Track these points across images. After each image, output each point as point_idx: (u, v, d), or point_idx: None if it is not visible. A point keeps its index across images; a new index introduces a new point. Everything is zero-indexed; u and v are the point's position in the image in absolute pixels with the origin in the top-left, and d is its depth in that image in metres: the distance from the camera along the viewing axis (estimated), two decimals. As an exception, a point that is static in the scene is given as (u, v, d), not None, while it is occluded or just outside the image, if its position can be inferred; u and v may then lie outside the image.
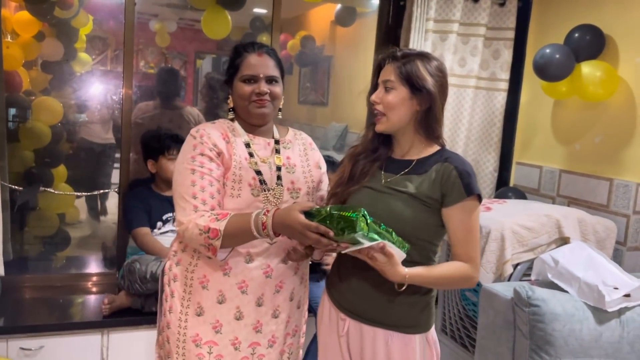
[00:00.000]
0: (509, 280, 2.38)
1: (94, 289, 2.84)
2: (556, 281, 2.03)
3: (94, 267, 3.77)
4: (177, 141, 2.68)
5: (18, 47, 3.70)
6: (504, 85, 3.23)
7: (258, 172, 1.61)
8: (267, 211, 1.47)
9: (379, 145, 1.61)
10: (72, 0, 3.95)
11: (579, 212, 2.52)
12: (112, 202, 4.19)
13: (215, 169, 1.56)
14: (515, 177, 3.32)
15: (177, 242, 1.69)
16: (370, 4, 4.45)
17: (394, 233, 1.41)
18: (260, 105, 1.63)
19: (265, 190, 1.60)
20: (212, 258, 1.55)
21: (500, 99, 3.24)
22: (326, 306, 1.67)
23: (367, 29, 5.29)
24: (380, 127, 1.55)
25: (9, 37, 3.96)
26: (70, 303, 2.67)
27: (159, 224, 2.64)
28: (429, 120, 1.52)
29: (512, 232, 2.37)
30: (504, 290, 2.07)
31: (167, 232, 2.64)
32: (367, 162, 1.60)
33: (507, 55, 3.22)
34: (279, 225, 1.44)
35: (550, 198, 3.04)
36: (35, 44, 4.03)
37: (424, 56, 1.53)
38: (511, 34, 3.21)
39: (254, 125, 1.68)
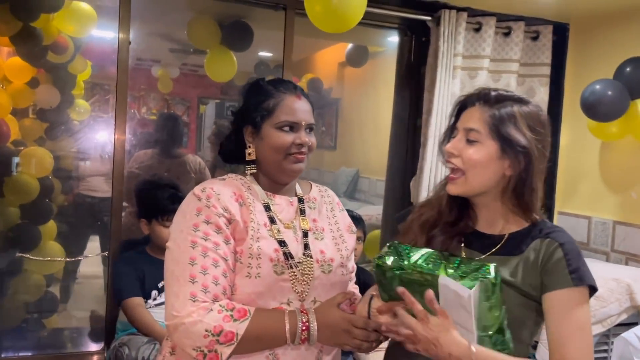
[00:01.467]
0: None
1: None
2: (649, 370, 1.63)
3: (84, 341, 3.34)
4: (176, 202, 2.32)
5: (6, 94, 3.41)
6: (541, 127, 2.89)
7: (281, 243, 1.25)
8: (304, 310, 1.19)
9: (459, 214, 1.23)
10: (66, 44, 3.70)
11: (651, 274, 2.13)
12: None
13: (222, 243, 1.20)
14: (558, 229, 2.94)
15: (168, 345, 1.29)
16: (385, 42, 4.18)
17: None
18: (298, 160, 1.29)
19: (291, 267, 1.24)
20: None
21: (538, 141, 2.90)
22: None
23: (380, 69, 5.05)
24: (454, 189, 1.18)
25: (0, 84, 3.70)
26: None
27: (154, 293, 2.26)
28: (521, 188, 1.14)
29: (576, 301, 1.97)
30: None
31: (163, 303, 2.25)
32: (446, 236, 1.21)
33: (543, 93, 2.91)
34: (321, 326, 1.17)
35: (604, 253, 2.65)
36: (28, 91, 3.77)
37: (522, 102, 1.17)
38: (547, 70, 2.91)
39: (278, 184, 1.34)
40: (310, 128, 1.32)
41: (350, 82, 6.01)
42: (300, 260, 1.25)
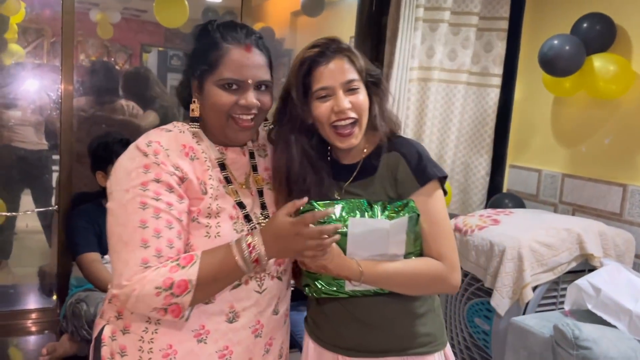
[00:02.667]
0: (525, 306, 2.07)
1: (33, 329, 2.36)
2: (600, 313, 1.73)
3: (30, 298, 3.21)
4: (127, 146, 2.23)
5: None
6: (497, 81, 2.94)
7: (240, 204, 1.20)
8: (250, 233, 1.12)
9: (319, 150, 1.31)
10: (-2, -19, 3.40)
11: (599, 224, 2.25)
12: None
13: (175, 202, 1.09)
14: (509, 182, 3.04)
15: (112, 309, 1.20)
16: (342, -9, 4.07)
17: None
18: (243, 127, 1.18)
19: (251, 229, 1.19)
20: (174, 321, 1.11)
21: (493, 95, 2.95)
22: (313, 352, 1.34)
23: (336, 19, 4.95)
24: (355, 140, 1.25)
25: None
26: (3, 348, 2.19)
27: (111, 248, 2.18)
28: (378, 116, 1.29)
29: (531, 250, 2.06)
30: (539, 325, 1.75)
31: (120, 258, 2.18)
32: (316, 174, 1.28)
33: (500, 47, 2.93)
34: (269, 241, 1.09)
35: (552, 205, 2.77)
36: (-44, 33, 3.46)
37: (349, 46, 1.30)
38: (505, 24, 2.92)
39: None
40: (264, 85, 1.19)
41: (304, 32, 5.87)
42: (259, 222, 1.20)
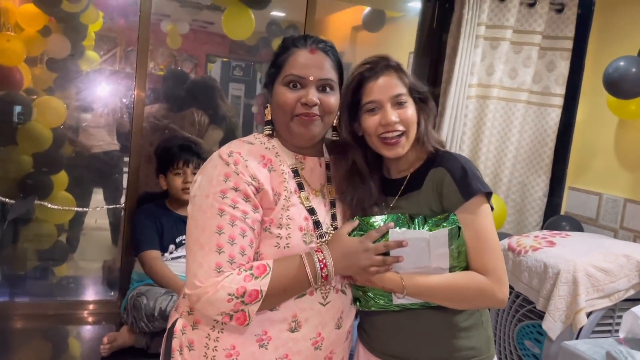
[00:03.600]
0: (579, 332, 2.02)
1: (92, 319, 2.50)
2: (656, 343, 1.68)
3: (92, 290, 3.40)
4: (188, 151, 2.34)
5: (20, 41, 3.38)
6: (559, 101, 2.89)
7: (310, 211, 1.23)
8: (318, 249, 1.17)
9: (370, 163, 1.36)
10: (81, -7, 3.65)
11: (661, 252, 2.16)
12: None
13: (250, 211, 1.14)
14: (567, 204, 2.97)
15: (185, 304, 1.26)
16: (403, 7, 4.11)
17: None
18: (305, 122, 1.20)
19: (320, 237, 1.22)
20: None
21: (554, 115, 2.90)
22: (362, 357, 1.38)
23: (395, 35, 4.98)
24: (401, 150, 1.29)
25: (12, 30, 3.66)
26: (64, 337, 2.34)
27: (171, 247, 2.30)
28: (424, 131, 1.33)
29: (587, 274, 2.02)
30: (591, 351, 1.71)
31: (180, 257, 2.30)
32: (366, 189, 1.33)
33: (563, 67, 2.88)
34: (337, 257, 1.16)
35: (612, 230, 2.68)
36: (40, 39, 3.73)
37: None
38: (569, 44, 2.87)
39: (299, 146, 1.28)
40: (328, 86, 1.22)
41: (364, 47, 5.94)
42: (327, 231, 1.23)
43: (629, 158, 2.67)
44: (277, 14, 5.97)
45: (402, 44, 4.59)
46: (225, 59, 8.47)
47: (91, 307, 2.58)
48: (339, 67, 1.27)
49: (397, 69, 1.30)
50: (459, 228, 1.21)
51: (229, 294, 1.09)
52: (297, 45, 1.22)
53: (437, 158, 1.30)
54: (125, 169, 4.35)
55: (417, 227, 1.22)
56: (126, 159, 4.29)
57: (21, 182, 3.22)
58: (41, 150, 3.38)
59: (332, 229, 1.25)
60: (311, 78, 1.19)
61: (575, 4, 2.85)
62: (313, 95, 1.19)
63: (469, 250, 1.24)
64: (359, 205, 1.30)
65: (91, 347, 2.26)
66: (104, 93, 4.59)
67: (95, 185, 4.07)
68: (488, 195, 1.26)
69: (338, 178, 1.32)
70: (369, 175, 1.33)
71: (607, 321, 2.10)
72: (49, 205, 2.95)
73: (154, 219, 2.29)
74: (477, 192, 1.23)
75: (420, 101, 1.32)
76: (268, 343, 1.19)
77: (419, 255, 1.21)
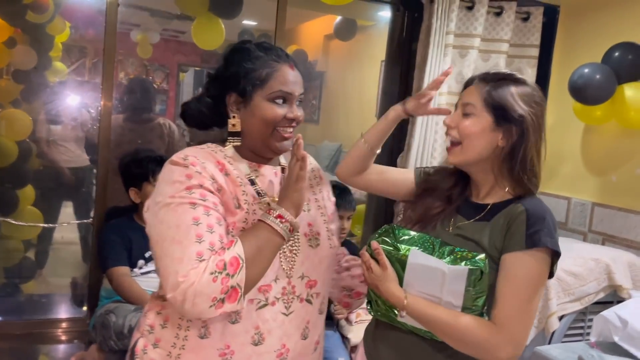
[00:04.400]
0: (551, 336, 2.04)
1: (63, 338, 2.43)
2: (626, 346, 1.70)
3: (62, 308, 3.30)
4: (163, 162, 2.30)
5: (-18, 54, 3.30)
6: (527, 108, 2.93)
7: None
8: (269, 209, 1.14)
9: (456, 183, 1.32)
10: (47, 3, 3.58)
11: (629, 255, 2.21)
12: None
13: (219, 204, 1.12)
14: (538, 209, 3.01)
15: (153, 313, 1.22)
16: (375, 16, 4.15)
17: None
18: (287, 137, 1.21)
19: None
20: (237, 310, 1.11)
21: (523, 122, 2.94)
22: None
23: (367, 43, 5.02)
24: (451, 159, 1.27)
25: (-25, 43, 3.56)
26: (34, 357, 2.26)
27: (141, 262, 2.24)
28: (513, 160, 1.20)
29: (557, 278, 2.04)
30: (563, 356, 1.73)
31: (149, 272, 2.24)
32: (442, 202, 1.30)
33: (530, 74, 2.93)
34: (285, 200, 1.15)
35: (581, 234, 2.73)
36: (5, 51, 3.64)
37: (519, 82, 1.24)
38: (535, 52, 2.93)
39: (262, 157, 1.26)
40: (300, 100, 1.24)
41: (336, 55, 5.97)
42: (289, 237, 1.17)
43: (596, 162, 2.72)
44: (248, 22, 5.96)
45: (374, 53, 4.63)
46: (197, 68, 8.41)
47: (62, 325, 2.51)
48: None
49: (487, 82, 1.23)
50: (482, 272, 1.12)
51: (211, 273, 1.03)
52: (277, 60, 1.21)
53: (523, 197, 1.21)
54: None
55: (442, 255, 1.16)
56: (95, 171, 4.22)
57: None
58: (6, 165, 3.30)
59: (291, 236, 1.21)
60: (296, 94, 1.22)
61: (541, 13, 2.91)
62: (298, 110, 1.22)
63: (497, 295, 1.14)
64: (422, 215, 1.29)
65: (60, 366, 2.19)
66: (72, 104, 4.50)
67: (64, 199, 3.97)
68: (554, 255, 1.16)
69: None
70: (449, 190, 1.30)
71: (578, 324, 2.12)
72: (13, 222, 2.86)
73: (122, 235, 2.23)
74: (542, 245, 1.12)
75: (514, 127, 1.20)
76: (231, 357, 1.15)
77: (432, 282, 1.16)
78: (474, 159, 1.23)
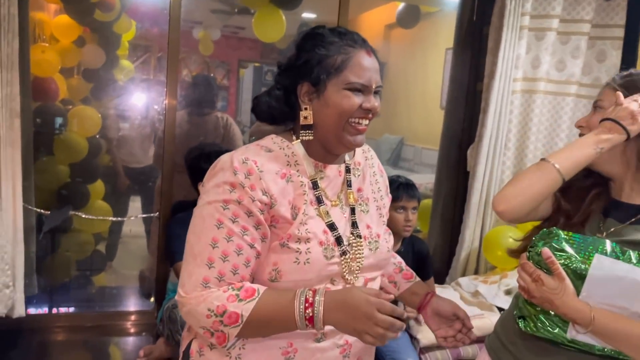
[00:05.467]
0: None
1: (130, 330, 2.46)
2: None
3: (131, 300, 3.37)
4: None
5: (55, 52, 3.40)
6: (611, 93, 2.71)
7: (331, 226, 1.12)
8: (313, 290, 1.03)
9: (596, 182, 1.20)
10: (113, 2, 3.65)
11: None
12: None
13: (252, 228, 1.05)
14: (623, 203, 2.78)
15: (191, 335, 1.18)
16: (439, 1, 3.97)
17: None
18: (361, 130, 1.12)
19: (343, 253, 1.12)
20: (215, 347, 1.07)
21: (606, 109, 2.72)
22: None
23: (430, 31, 4.85)
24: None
25: (47, 42, 3.70)
26: (102, 349, 2.29)
27: (206, 256, 2.23)
28: None
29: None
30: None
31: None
32: (585, 201, 1.18)
33: (614, 57, 2.70)
34: (333, 306, 1.01)
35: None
36: (76, 50, 3.75)
37: None
38: (620, 32, 2.69)
39: (332, 154, 1.16)
40: (379, 91, 1.14)
41: (398, 45, 5.81)
42: (350, 242, 1.14)
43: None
44: (308, 15, 5.91)
45: (438, 40, 4.46)
46: (257, 64, 8.48)
47: (131, 317, 2.55)
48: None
49: (619, 82, 1.16)
50: None
51: (209, 310, 1.01)
52: (353, 46, 1.10)
53: None
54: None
55: (629, 259, 1.02)
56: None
57: (58, 193, 3.23)
58: (77, 160, 3.39)
59: (354, 237, 1.15)
60: (374, 85, 1.11)
61: (626, -11, 2.67)
62: (375, 101, 1.11)
63: None
64: (567, 219, 1.17)
65: (131, 358, 2.22)
66: (138, 102, 4.61)
67: (132, 194, 4.08)
68: None
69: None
70: (592, 185, 1.19)
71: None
72: (84, 216, 2.94)
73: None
74: None
75: None
76: (294, 355, 1.10)
77: (620, 292, 1.03)
78: (605, 159, 1.12)
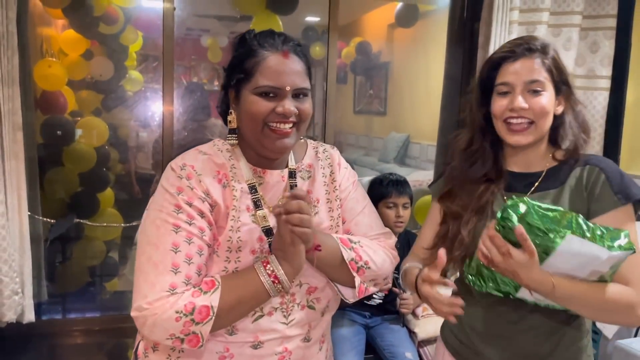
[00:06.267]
0: (637, 330, 1.87)
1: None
2: None
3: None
4: None
5: (61, 66, 3.51)
6: (606, 84, 2.71)
7: (267, 232, 1.10)
8: (266, 261, 1.06)
9: (486, 163, 1.26)
10: (116, 14, 3.76)
11: None
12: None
13: (207, 228, 1.05)
14: (622, 192, 2.78)
15: (140, 336, 1.17)
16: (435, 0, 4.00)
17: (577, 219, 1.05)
18: (280, 135, 1.08)
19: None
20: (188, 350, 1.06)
21: (602, 99, 2.72)
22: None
23: (430, 29, 4.87)
24: (524, 139, 1.20)
25: (55, 56, 3.81)
26: (115, 352, 2.36)
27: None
28: (569, 124, 1.22)
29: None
30: (648, 351, 1.57)
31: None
32: (483, 184, 1.24)
33: (608, 47, 2.70)
34: (281, 257, 1.07)
35: (673, 217, 2.48)
36: (83, 63, 3.87)
37: (545, 43, 1.23)
38: (612, 22, 2.69)
39: (266, 158, 1.15)
40: (302, 93, 1.10)
41: (400, 44, 5.84)
42: None
43: (688, 139, 2.47)
44: (312, 19, 5.96)
45: (438, 37, 4.47)
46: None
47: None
48: (309, 68, 1.15)
49: (542, 52, 1.19)
50: (634, 252, 1.06)
51: (177, 312, 0.98)
52: (267, 48, 1.09)
53: (581, 157, 1.21)
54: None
55: (594, 237, 1.04)
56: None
57: (69, 202, 3.33)
58: (86, 170, 3.49)
59: None
60: (287, 88, 1.08)
61: (617, -21, 2.67)
62: (290, 105, 1.08)
63: None
64: (465, 208, 1.24)
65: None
66: (147, 112, 4.72)
67: (146, 200, 4.17)
68: (638, 204, 1.16)
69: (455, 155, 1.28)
70: (490, 159, 1.26)
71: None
72: (89, 223, 3.03)
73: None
74: (636, 198, 1.13)
75: (568, 92, 1.21)
76: None
77: (579, 265, 1.08)
78: (543, 134, 1.21)
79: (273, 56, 1.08)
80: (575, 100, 1.21)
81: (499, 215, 1.07)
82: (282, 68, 1.08)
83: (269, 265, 1.06)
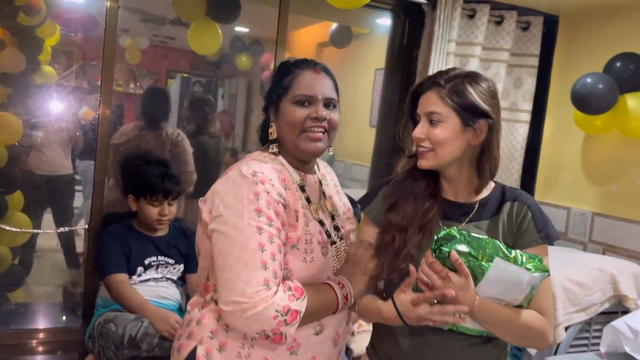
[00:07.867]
0: (557, 347, 2.02)
1: (54, 350, 2.34)
2: (638, 357, 1.68)
3: (50, 317, 3.19)
4: (169, 182, 2.22)
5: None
6: (526, 117, 2.94)
7: (321, 223, 1.32)
8: (341, 282, 1.29)
9: (427, 186, 1.32)
10: (40, 6, 3.51)
11: (633, 265, 2.21)
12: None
13: (282, 229, 1.21)
14: (537, 218, 3.01)
15: (211, 319, 1.26)
16: (370, 24, 4.14)
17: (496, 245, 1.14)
18: (314, 138, 1.28)
19: (333, 243, 1.33)
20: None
21: (522, 131, 2.95)
22: None
23: (361, 52, 5.00)
24: (425, 163, 1.27)
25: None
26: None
27: (140, 269, 2.18)
28: (486, 155, 1.25)
29: (563, 289, 2.03)
30: (575, 366, 1.71)
31: (148, 280, 2.19)
32: (427, 200, 1.29)
33: (530, 83, 2.94)
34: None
35: (581, 244, 2.73)
36: (-7, 53, 3.56)
37: (473, 77, 1.26)
38: (535, 61, 2.94)
39: (302, 162, 1.34)
40: (331, 104, 1.31)
41: (329, 64, 5.93)
42: (335, 240, 1.33)
43: (596, 172, 2.73)
44: (241, 29, 5.92)
45: (369, 61, 4.62)
46: (185, 75, 8.34)
47: (53, 336, 2.42)
48: (337, 88, 1.36)
49: (445, 86, 1.24)
50: (549, 275, 1.17)
51: (277, 311, 1.14)
52: (301, 68, 1.30)
53: (507, 191, 1.30)
54: (78, 188, 4.20)
55: (517, 261, 1.13)
56: (78, 178, 4.18)
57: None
58: (-4, 170, 3.21)
59: (339, 239, 1.35)
60: (319, 96, 1.28)
61: (540, 22, 2.92)
62: (322, 110, 1.27)
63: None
64: (410, 222, 1.28)
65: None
66: (58, 109, 4.41)
67: (47, 206, 3.89)
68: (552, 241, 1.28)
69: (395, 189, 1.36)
70: (425, 191, 1.31)
71: (583, 335, 2.11)
72: (6, 227, 2.78)
73: (121, 241, 2.17)
74: (554, 239, 1.25)
75: (479, 123, 1.23)
76: (298, 349, 1.26)
77: (505, 290, 1.15)
78: (449, 161, 1.26)
79: (307, 72, 1.30)
80: (480, 133, 1.23)
81: (433, 246, 1.15)
82: (315, 81, 1.29)
83: (344, 289, 1.28)
